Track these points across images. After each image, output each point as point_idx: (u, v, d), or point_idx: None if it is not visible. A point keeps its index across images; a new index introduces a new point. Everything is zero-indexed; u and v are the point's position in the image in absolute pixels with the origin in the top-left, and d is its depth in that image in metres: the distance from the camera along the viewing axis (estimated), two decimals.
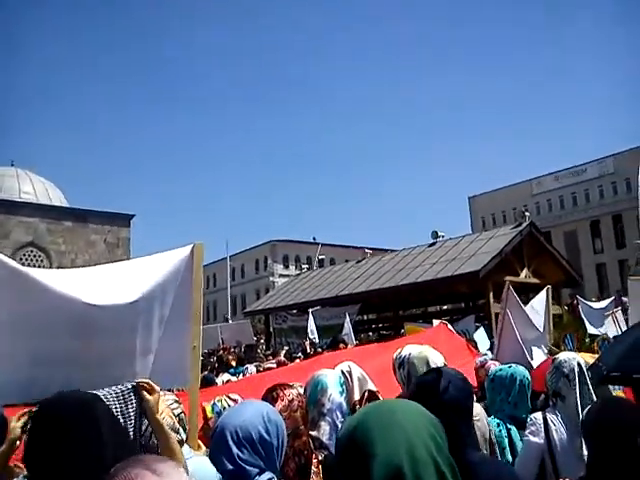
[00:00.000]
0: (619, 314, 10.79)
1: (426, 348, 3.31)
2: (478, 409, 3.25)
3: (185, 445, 2.98)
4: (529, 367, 5.16)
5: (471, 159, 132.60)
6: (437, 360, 3.19)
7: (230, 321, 27.47)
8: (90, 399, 1.94)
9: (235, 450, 2.03)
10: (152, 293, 3.57)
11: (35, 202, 39.30)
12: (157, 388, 2.68)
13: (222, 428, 2.10)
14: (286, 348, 17.00)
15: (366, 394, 3.81)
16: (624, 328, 10.45)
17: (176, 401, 3.11)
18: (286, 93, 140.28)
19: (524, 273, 18.33)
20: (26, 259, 37.07)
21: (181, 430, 2.91)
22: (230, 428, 2.07)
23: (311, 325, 17.42)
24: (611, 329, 10.79)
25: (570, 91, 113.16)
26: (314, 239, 56.53)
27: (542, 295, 7.94)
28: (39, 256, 38.12)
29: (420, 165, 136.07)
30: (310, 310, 19.65)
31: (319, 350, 12.89)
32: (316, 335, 17.09)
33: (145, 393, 2.66)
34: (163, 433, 2.61)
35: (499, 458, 3.35)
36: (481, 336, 10.73)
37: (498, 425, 3.52)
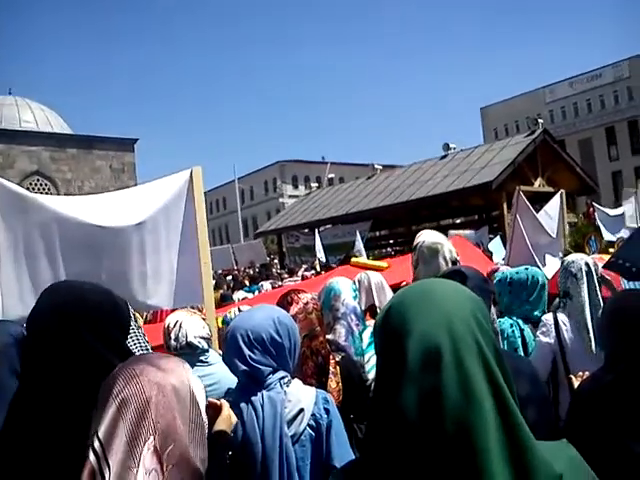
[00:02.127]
0: None
1: (442, 239, 3.26)
2: None
3: (211, 350, 3.13)
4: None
5: (483, 69, 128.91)
6: (448, 254, 3.13)
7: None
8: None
9: (247, 352, 2.06)
10: (156, 215, 3.68)
11: (37, 130, 38.87)
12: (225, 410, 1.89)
13: (233, 331, 2.11)
14: (305, 266, 17.15)
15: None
16: None
17: (203, 319, 3.26)
18: (290, 9, 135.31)
19: (538, 182, 18.11)
20: (32, 188, 37.08)
21: (207, 328, 3.17)
22: (241, 331, 2.09)
23: (318, 245, 17.48)
24: (629, 206, 10.84)
25: None
26: (323, 158, 56.00)
27: (555, 200, 7.85)
28: (45, 184, 38.11)
29: (430, 77, 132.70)
30: (317, 230, 19.62)
31: (333, 266, 13.02)
32: (322, 255, 17.17)
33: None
34: None
35: None
36: (497, 246, 10.71)
37: (511, 326, 3.53)
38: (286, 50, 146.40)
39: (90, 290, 1.80)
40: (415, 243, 3.35)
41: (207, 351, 3.08)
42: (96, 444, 1.20)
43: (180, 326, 3.04)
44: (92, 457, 1.19)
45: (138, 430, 1.20)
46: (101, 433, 1.20)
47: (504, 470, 0.91)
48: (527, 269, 3.73)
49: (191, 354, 3.01)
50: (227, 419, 1.84)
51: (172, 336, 3.02)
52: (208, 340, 3.10)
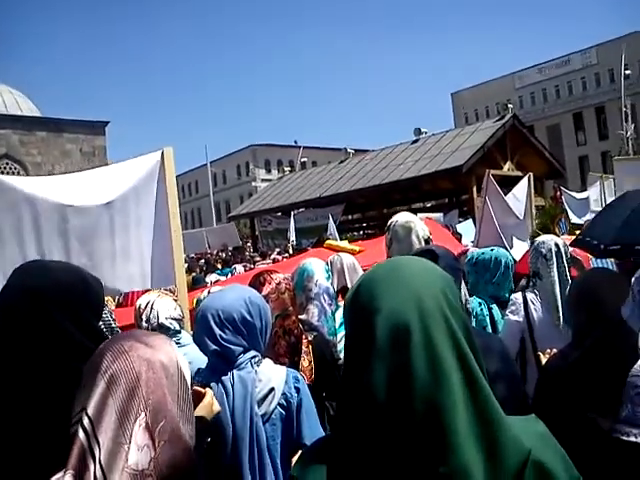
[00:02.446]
0: (608, 182, 11.02)
1: (414, 218, 3.30)
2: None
3: (183, 332, 3.12)
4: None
5: (454, 54, 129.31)
6: (421, 232, 3.16)
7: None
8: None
9: (218, 331, 2.04)
10: (126, 195, 3.63)
11: (6, 113, 37.91)
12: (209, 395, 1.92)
13: (204, 311, 2.10)
14: (277, 250, 17.12)
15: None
16: (606, 191, 10.66)
17: (174, 300, 3.24)
18: None
19: (507, 166, 18.33)
20: (1, 172, 36.17)
21: (179, 309, 3.16)
22: (212, 311, 2.08)
23: (292, 227, 17.43)
24: (594, 190, 11.03)
25: None
26: (295, 142, 55.53)
27: (523, 183, 7.98)
28: (15, 168, 37.25)
29: (402, 63, 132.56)
30: (293, 213, 19.56)
31: (307, 249, 13.03)
32: (294, 238, 17.15)
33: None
34: None
35: None
36: (467, 228, 10.84)
37: (480, 305, 3.60)
38: (257, 34, 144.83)
39: (62, 270, 1.78)
40: (389, 223, 3.39)
41: (179, 332, 3.06)
42: (85, 421, 1.17)
43: (151, 307, 3.02)
44: (81, 434, 1.16)
45: (129, 406, 1.18)
46: (90, 410, 1.18)
47: (473, 447, 0.92)
48: (492, 250, 3.81)
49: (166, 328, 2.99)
50: (209, 406, 1.85)
51: (143, 317, 3.00)
52: (180, 321, 3.09)
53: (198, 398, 1.84)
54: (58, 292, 1.66)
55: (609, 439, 1.89)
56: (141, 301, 3.11)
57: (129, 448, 1.15)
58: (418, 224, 3.28)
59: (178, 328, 3.06)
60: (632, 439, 1.81)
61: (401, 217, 3.34)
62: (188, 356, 2.88)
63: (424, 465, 0.92)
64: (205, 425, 1.79)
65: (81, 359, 1.34)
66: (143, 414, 1.18)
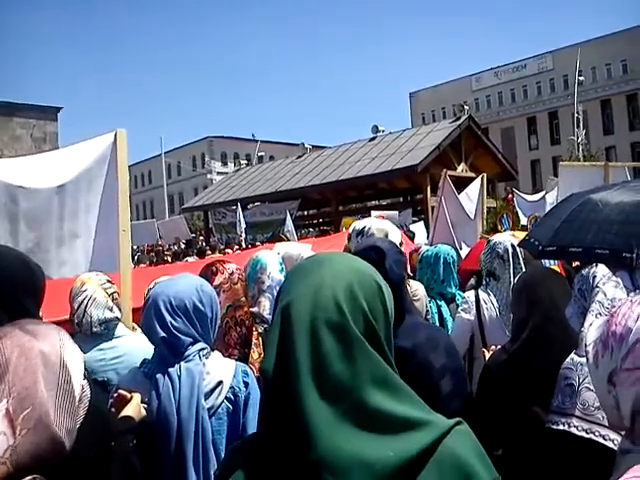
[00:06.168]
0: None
1: (387, 223, 3.20)
2: (421, 289, 3.28)
3: (120, 324, 2.91)
4: (457, 250, 5.36)
5: (413, 55, 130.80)
6: (395, 237, 2.97)
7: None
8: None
9: (169, 319, 1.99)
10: (78, 178, 3.55)
11: None
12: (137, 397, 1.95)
13: (155, 298, 2.03)
14: (236, 247, 16.84)
15: None
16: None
17: (108, 281, 2.96)
18: None
19: (461, 167, 18.66)
20: None
21: (115, 308, 2.83)
22: (163, 297, 2.02)
23: (239, 217, 17.12)
24: (551, 194, 11.31)
25: None
26: (253, 136, 55.02)
27: (476, 183, 8.14)
28: None
29: (362, 61, 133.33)
30: (239, 204, 19.06)
31: (258, 244, 12.93)
32: (243, 230, 16.92)
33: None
34: None
35: None
36: (419, 228, 11.01)
37: (429, 302, 3.68)
38: (216, 24, 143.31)
39: (6, 256, 1.74)
40: (358, 228, 3.11)
41: (118, 320, 2.84)
42: None
43: (84, 311, 2.74)
44: None
45: None
46: None
47: (349, 436, 0.92)
48: (436, 247, 3.95)
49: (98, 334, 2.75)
50: (136, 407, 1.85)
51: (75, 320, 2.75)
52: (111, 322, 2.81)
53: (124, 401, 1.85)
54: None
55: (544, 430, 1.98)
56: (75, 303, 2.80)
57: None
58: (391, 227, 3.15)
59: (112, 327, 2.81)
60: (560, 427, 1.91)
61: (372, 221, 3.19)
62: (120, 349, 2.69)
63: (298, 454, 0.93)
64: (132, 425, 1.80)
65: None
66: (5, 401, 1.17)
